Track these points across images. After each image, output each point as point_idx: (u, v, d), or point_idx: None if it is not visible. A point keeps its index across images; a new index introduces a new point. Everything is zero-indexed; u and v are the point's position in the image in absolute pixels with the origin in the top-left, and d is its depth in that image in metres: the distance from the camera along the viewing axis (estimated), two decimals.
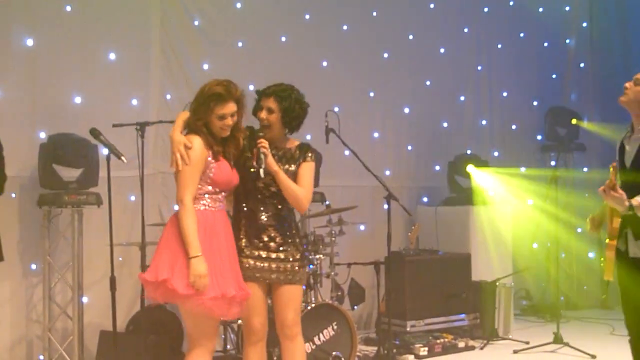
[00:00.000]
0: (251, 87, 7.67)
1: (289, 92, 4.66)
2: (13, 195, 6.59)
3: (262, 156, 4.42)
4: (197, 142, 4.23)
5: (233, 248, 4.39)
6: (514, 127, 10.04)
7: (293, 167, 4.60)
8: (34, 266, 6.70)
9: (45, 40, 6.81)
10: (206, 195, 4.29)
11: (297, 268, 4.57)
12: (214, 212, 4.32)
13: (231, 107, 4.33)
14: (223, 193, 4.38)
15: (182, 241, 4.13)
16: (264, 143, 4.46)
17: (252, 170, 4.44)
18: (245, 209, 4.54)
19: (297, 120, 4.66)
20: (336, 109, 6.57)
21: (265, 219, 4.52)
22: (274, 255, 4.51)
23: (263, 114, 4.62)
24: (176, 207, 7.00)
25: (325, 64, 8.47)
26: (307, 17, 8.41)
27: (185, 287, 4.05)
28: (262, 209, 4.53)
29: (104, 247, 5.65)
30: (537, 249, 9.53)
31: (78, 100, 6.95)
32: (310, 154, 4.68)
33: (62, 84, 6.89)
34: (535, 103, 10.19)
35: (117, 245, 5.53)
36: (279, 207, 4.57)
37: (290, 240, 4.58)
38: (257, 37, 8.00)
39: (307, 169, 4.63)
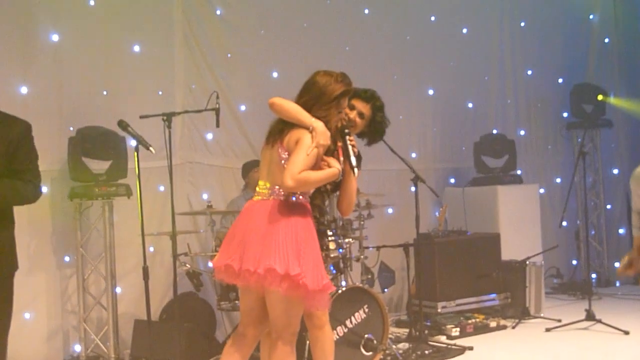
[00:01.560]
0: (275, 75, 7.79)
1: (383, 108, 4.70)
2: (44, 189, 6.65)
3: (351, 154, 4.33)
4: None
5: None
6: (539, 105, 9.99)
7: None
8: (67, 258, 6.80)
9: (70, 35, 6.88)
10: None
11: (325, 258, 4.59)
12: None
13: (347, 101, 4.33)
14: None
15: (301, 235, 4.07)
16: (354, 142, 4.40)
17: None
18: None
19: (375, 136, 4.69)
20: None
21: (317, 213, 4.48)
22: None
23: (353, 115, 4.59)
24: (205, 197, 7.14)
25: (347, 48, 8.45)
26: (329, 2, 8.40)
27: (314, 284, 4.01)
28: (310, 199, 4.40)
29: (135, 237, 5.71)
30: (566, 227, 9.48)
31: (104, 93, 7.02)
32: (360, 164, 4.60)
33: (88, 78, 6.96)
34: (560, 80, 10.12)
35: (148, 235, 5.58)
36: (322, 200, 4.60)
37: (322, 230, 4.58)
38: (279, 24, 8.01)
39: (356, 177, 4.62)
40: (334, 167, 4.14)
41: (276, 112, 4.21)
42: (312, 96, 4.20)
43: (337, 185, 4.53)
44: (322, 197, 4.63)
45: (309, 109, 4.16)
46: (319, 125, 4.09)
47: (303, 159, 4.02)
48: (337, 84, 4.21)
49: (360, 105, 4.60)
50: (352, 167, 4.32)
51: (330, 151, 4.21)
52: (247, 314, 4.36)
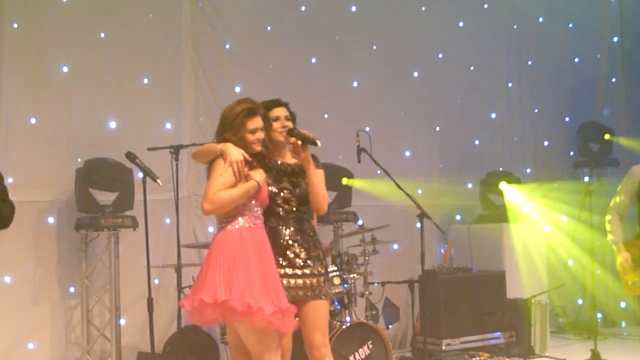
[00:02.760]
0: None
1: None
2: (51, 219, 6.70)
3: (306, 136, 4.50)
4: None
5: (274, 263, 4.38)
6: (546, 143, 10.00)
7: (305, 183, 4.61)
8: (72, 289, 6.79)
9: (80, 67, 6.95)
10: (254, 211, 4.31)
11: (322, 283, 4.55)
12: (260, 229, 4.34)
13: (260, 120, 4.43)
14: (260, 210, 4.40)
15: (232, 259, 4.16)
16: (305, 130, 4.55)
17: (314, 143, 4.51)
18: (267, 228, 4.47)
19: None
20: (367, 129, 6.60)
21: (289, 236, 4.52)
22: (299, 272, 4.49)
23: (284, 122, 4.64)
24: (211, 229, 7.14)
25: (355, 84, 8.51)
26: (337, 38, 8.46)
27: (245, 306, 4.06)
28: (284, 225, 4.53)
29: (140, 269, 5.71)
30: (572, 265, 9.45)
31: (113, 125, 7.07)
32: (318, 162, 4.68)
33: (97, 109, 7.02)
34: (567, 119, 10.14)
35: (153, 267, 5.58)
36: (300, 223, 4.58)
37: (314, 254, 4.57)
38: (287, 58, 8.07)
39: (322, 175, 4.66)
40: (252, 179, 4.25)
41: (198, 161, 4.53)
42: (221, 125, 4.42)
43: (301, 199, 4.59)
44: (301, 221, 4.60)
45: (222, 138, 4.36)
46: (226, 145, 4.28)
47: (217, 182, 4.21)
48: (239, 106, 4.41)
49: (281, 111, 4.70)
50: (313, 142, 4.49)
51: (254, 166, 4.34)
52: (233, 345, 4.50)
